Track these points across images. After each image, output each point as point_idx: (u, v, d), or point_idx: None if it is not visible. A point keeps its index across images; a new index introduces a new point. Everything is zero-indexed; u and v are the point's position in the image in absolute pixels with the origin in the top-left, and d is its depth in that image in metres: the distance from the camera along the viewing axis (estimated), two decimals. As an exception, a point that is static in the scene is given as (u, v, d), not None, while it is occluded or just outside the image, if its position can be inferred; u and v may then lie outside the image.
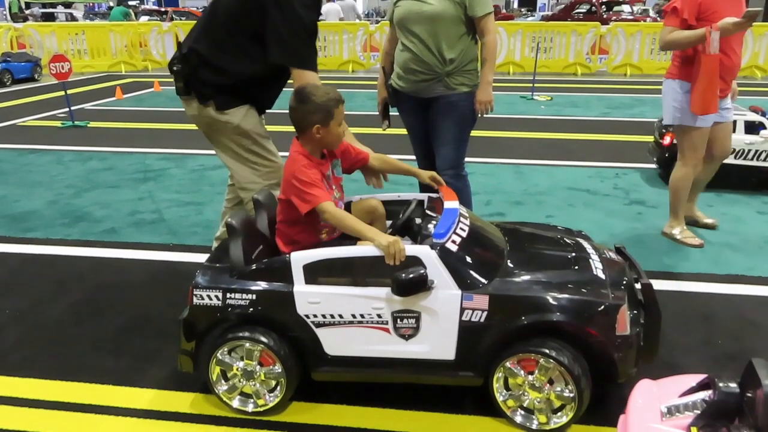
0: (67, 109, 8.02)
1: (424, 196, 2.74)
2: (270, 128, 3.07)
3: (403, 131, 3.59)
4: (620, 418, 1.81)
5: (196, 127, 3.02)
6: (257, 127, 2.93)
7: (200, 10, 30.02)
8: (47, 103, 9.61)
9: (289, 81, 2.85)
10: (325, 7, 15.68)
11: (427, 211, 2.52)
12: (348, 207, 2.66)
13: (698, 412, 1.58)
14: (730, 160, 4.40)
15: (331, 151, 2.50)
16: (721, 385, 1.56)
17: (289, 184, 2.31)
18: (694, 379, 1.71)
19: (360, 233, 2.20)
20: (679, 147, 3.84)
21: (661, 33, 3.58)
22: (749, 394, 1.49)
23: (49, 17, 22.31)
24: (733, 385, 1.56)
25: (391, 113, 3.64)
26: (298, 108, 2.34)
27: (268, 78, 2.89)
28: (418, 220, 2.54)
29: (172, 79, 2.92)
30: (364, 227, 2.21)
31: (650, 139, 5.54)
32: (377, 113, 3.72)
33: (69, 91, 8.27)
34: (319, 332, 2.21)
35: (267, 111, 3.12)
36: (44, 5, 26.06)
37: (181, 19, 18.95)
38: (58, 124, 7.92)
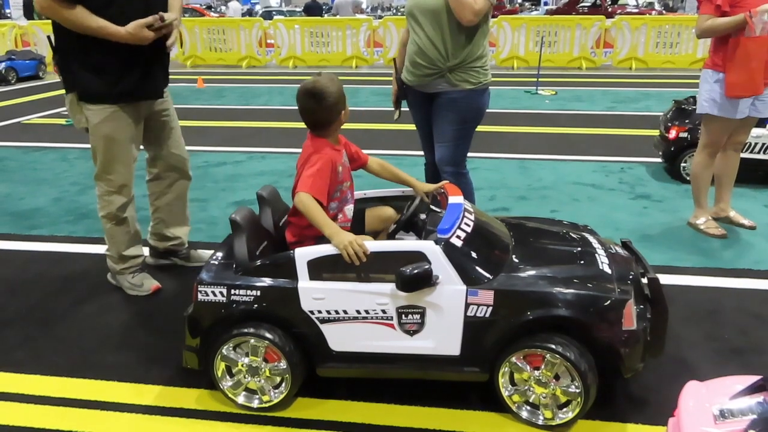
0: (71, 107, 8.03)
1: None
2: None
3: (412, 126, 3.57)
4: (669, 421, 1.75)
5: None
6: (118, 133, 2.90)
7: (203, 6, 30.01)
8: (52, 100, 9.62)
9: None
10: (337, 1, 15.68)
11: (432, 207, 2.50)
12: (362, 214, 2.65)
13: (754, 416, 1.52)
14: (736, 153, 4.37)
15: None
16: None
17: (300, 172, 2.34)
18: (745, 380, 1.65)
19: (321, 226, 2.20)
20: (701, 133, 3.90)
21: (698, 21, 3.59)
22: None
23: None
24: None
25: (403, 108, 3.64)
26: (323, 107, 2.33)
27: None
28: (422, 216, 2.53)
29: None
30: (327, 223, 2.20)
31: (656, 133, 5.50)
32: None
33: (73, 89, 8.28)
34: (324, 328, 2.21)
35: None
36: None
37: (185, 16, 18.90)
38: (62, 121, 7.92)
